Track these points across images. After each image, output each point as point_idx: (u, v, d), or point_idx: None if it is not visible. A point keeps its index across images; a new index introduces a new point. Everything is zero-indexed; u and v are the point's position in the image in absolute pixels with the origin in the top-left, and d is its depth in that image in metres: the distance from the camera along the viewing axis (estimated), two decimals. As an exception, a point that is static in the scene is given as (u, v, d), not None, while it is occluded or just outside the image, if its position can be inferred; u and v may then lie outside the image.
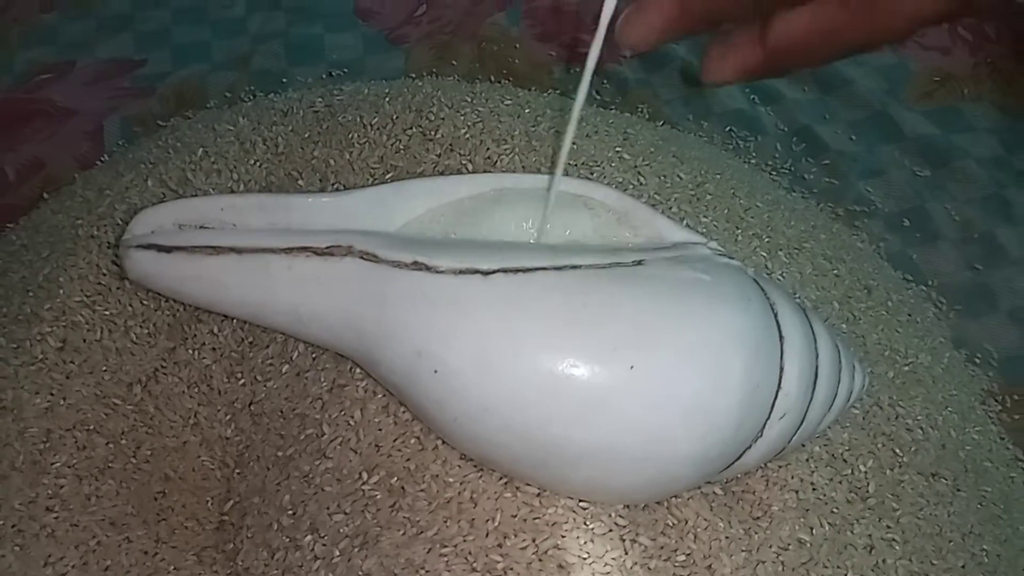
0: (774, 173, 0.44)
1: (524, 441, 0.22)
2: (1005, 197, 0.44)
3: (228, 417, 0.30)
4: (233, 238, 0.24)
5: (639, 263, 0.23)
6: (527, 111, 0.34)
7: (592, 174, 0.31)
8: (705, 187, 0.33)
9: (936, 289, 0.40)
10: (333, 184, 0.32)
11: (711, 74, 0.23)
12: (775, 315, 0.24)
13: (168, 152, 0.35)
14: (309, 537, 0.26)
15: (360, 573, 0.25)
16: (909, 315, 0.36)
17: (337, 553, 0.26)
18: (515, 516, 0.24)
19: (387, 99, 0.35)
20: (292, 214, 0.25)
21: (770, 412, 0.23)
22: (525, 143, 0.31)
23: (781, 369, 0.23)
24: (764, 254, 0.32)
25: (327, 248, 0.24)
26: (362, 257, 0.23)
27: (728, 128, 0.46)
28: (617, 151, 0.32)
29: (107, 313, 0.31)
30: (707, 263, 0.24)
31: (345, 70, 0.49)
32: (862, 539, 0.27)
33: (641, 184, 0.31)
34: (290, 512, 0.27)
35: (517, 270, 0.22)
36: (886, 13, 0.21)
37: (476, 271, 0.22)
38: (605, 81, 0.49)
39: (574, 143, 0.32)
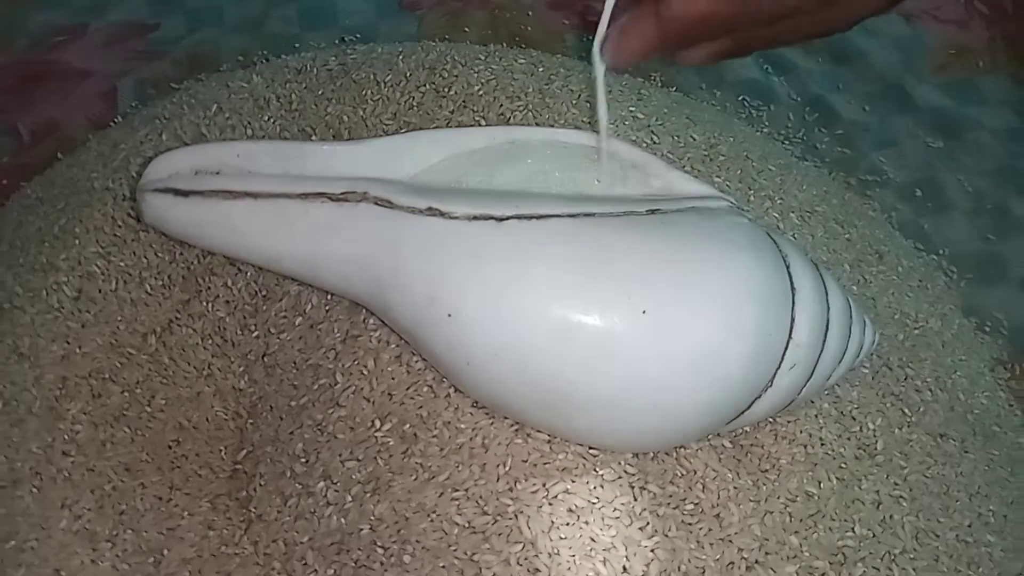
0: (786, 142, 0.44)
1: (534, 386, 0.22)
2: (1018, 168, 0.43)
3: (242, 368, 0.31)
4: (249, 183, 0.24)
5: (653, 212, 0.23)
6: (540, 70, 0.34)
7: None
8: (718, 148, 0.33)
9: (947, 258, 0.40)
10: (347, 140, 0.32)
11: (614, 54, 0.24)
12: (787, 266, 0.24)
13: (183, 108, 0.35)
14: (322, 484, 0.27)
15: (372, 518, 0.25)
16: (920, 281, 0.36)
17: (349, 499, 0.26)
18: (526, 461, 0.24)
19: (400, 58, 0.35)
20: (307, 161, 0.25)
21: (780, 361, 0.23)
22: (539, 100, 0.32)
23: (792, 319, 0.23)
24: (776, 215, 0.32)
25: (342, 194, 0.24)
26: (377, 203, 0.23)
27: (741, 97, 0.46)
28: (631, 110, 0.32)
29: (122, 264, 0.31)
30: (720, 214, 0.24)
31: (357, 35, 0.49)
32: (870, 495, 0.27)
33: (655, 143, 0.31)
34: (303, 460, 0.28)
35: (531, 216, 0.22)
36: None
37: (490, 217, 0.22)
38: (618, 49, 0.49)
39: (587, 102, 0.33)
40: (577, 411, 0.22)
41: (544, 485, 0.24)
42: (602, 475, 0.24)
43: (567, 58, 0.39)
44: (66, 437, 0.28)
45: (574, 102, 0.32)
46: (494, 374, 0.22)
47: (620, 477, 0.24)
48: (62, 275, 0.30)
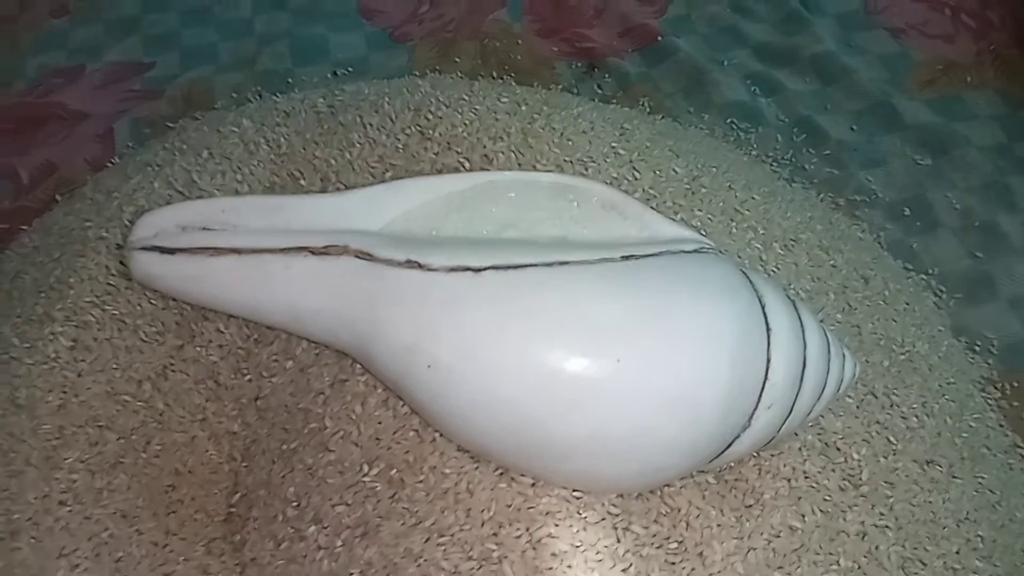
0: (775, 164, 0.45)
1: (514, 434, 0.22)
2: (1007, 184, 0.44)
3: (235, 412, 0.31)
4: (233, 239, 0.25)
5: (627, 258, 0.24)
6: (523, 108, 0.34)
7: (587, 170, 0.31)
8: (700, 180, 0.34)
9: (936, 278, 0.40)
10: (334, 183, 0.33)
11: None
12: (763, 307, 0.24)
13: (174, 155, 0.36)
14: (313, 528, 0.27)
15: (362, 563, 0.26)
16: (907, 304, 0.36)
17: (339, 543, 0.26)
18: (510, 506, 0.25)
19: (387, 98, 0.35)
20: (291, 214, 0.26)
21: (757, 402, 0.24)
22: (521, 140, 0.32)
23: (768, 360, 0.24)
24: (759, 246, 0.32)
25: (324, 248, 0.24)
26: (357, 256, 0.24)
27: (729, 120, 0.47)
28: (613, 147, 0.33)
29: (116, 312, 0.31)
30: (695, 257, 0.24)
31: (350, 69, 0.50)
32: (854, 526, 0.27)
33: (636, 179, 0.32)
34: (294, 504, 0.28)
35: (508, 267, 0.23)
36: None
37: (467, 268, 0.23)
38: (607, 75, 0.49)
39: (569, 140, 0.33)
40: (558, 458, 0.23)
41: (528, 530, 0.24)
42: (585, 517, 0.25)
43: (551, 93, 0.40)
44: (63, 487, 0.29)
45: (556, 140, 0.32)
46: (474, 423, 0.23)
47: (604, 519, 0.25)
48: (58, 325, 0.31)
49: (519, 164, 0.31)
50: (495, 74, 0.49)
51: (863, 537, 0.27)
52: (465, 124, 0.33)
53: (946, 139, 0.45)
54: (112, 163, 0.44)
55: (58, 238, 0.35)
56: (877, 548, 0.27)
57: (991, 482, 0.32)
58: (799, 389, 0.25)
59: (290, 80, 0.49)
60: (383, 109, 0.35)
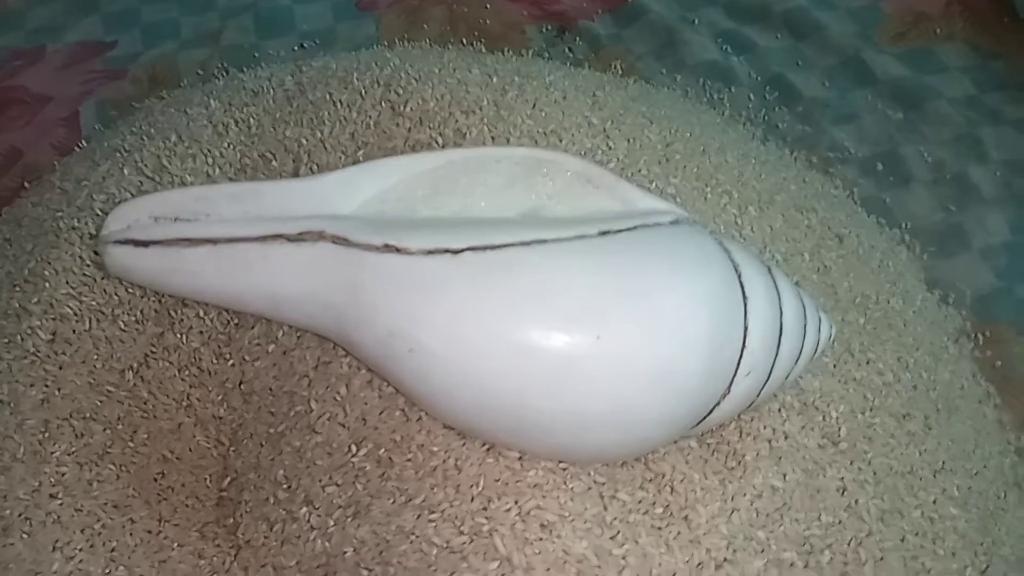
0: (748, 124, 0.45)
1: (498, 412, 0.23)
2: (977, 136, 0.44)
3: (220, 397, 0.31)
4: (207, 229, 0.25)
5: (604, 233, 0.24)
6: (495, 79, 0.34)
7: (561, 142, 0.31)
8: (674, 147, 0.34)
9: (909, 232, 0.41)
10: (306, 163, 0.33)
11: None
12: (739, 276, 0.24)
13: (143, 139, 0.35)
14: (304, 509, 0.28)
15: (354, 541, 0.26)
16: (881, 261, 0.36)
17: (332, 523, 0.27)
18: (498, 480, 0.25)
19: (355, 74, 0.35)
20: (264, 201, 0.26)
21: (736, 370, 0.24)
22: (494, 113, 0.32)
23: (745, 328, 0.24)
24: (734, 211, 0.32)
25: (299, 234, 0.24)
26: (334, 241, 0.24)
27: (701, 80, 0.46)
28: (586, 116, 0.33)
29: (94, 303, 0.31)
30: (671, 230, 0.25)
31: (316, 41, 0.49)
32: (834, 482, 0.28)
33: (610, 149, 0.32)
34: (285, 486, 0.28)
35: (485, 247, 0.23)
36: None
37: (446, 250, 0.23)
38: (578, 38, 0.49)
39: (542, 111, 0.33)
40: (542, 433, 0.23)
41: (516, 503, 0.25)
42: (572, 488, 0.25)
43: (522, 61, 0.40)
44: (52, 480, 0.29)
45: (528, 112, 0.32)
46: (459, 403, 0.23)
47: (590, 488, 0.25)
48: (35, 319, 0.31)
49: (492, 138, 0.31)
50: (464, 40, 0.48)
51: (843, 492, 0.28)
52: (436, 99, 0.33)
53: (917, 92, 0.45)
54: (79, 147, 0.43)
55: (29, 230, 0.34)
56: (857, 502, 0.28)
57: (965, 431, 0.33)
58: (776, 354, 0.25)
59: (256, 54, 0.48)
60: (352, 85, 0.34)
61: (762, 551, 0.26)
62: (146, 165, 0.34)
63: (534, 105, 0.33)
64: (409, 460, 0.26)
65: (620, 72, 0.46)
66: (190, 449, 0.31)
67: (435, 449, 0.26)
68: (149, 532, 0.29)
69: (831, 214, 0.37)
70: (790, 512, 0.27)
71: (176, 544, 0.29)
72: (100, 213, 0.33)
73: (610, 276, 0.23)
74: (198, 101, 0.37)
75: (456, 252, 0.23)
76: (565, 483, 0.25)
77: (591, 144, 0.32)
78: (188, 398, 0.31)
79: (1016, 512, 0.33)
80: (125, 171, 0.34)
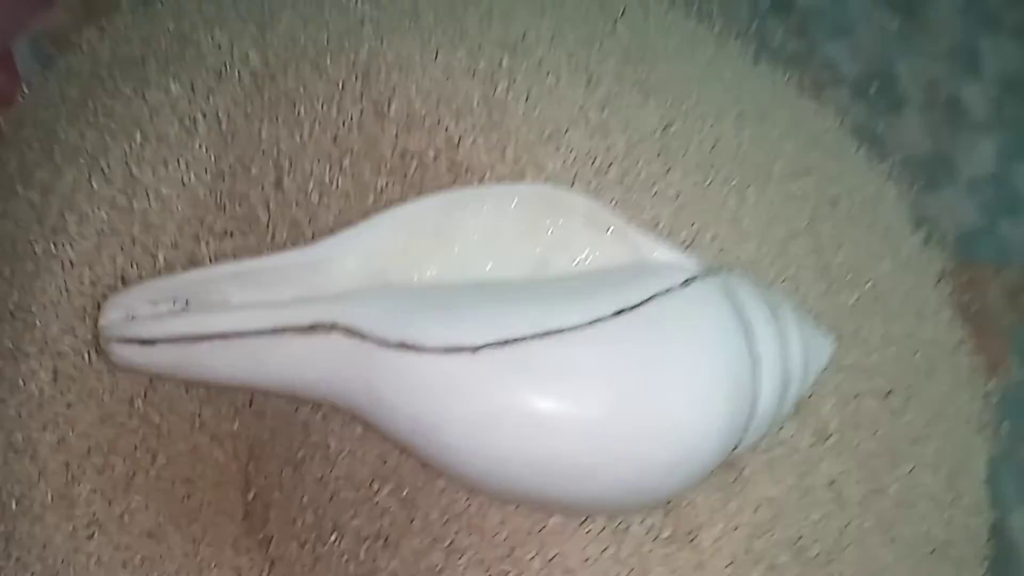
0: (739, 39, 0.42)
1: (524, 500, 0.24)
2: (973, 47, 0.43)
3: (232, 413, 0.32)
4: (214, 322, 0.24)
5: (619, 313, 0.24)
6: (482, 64, 0.31)
7: (559, 148, 0.30)
8: (672, 128, 0.32)
9: (900, 165, 0.41)
10: (289, 172, 0.31)
11: None
12: (750, 338, 0.25)
13: (104, 137, 0.33)
14: (333, 536, 0.29)
15: (386, 572, 0.28)
16: (871, 218, 0.37)
17: (362, 553, 0.29)
18: (520, 529, 0.27)
19: (328, 57, 0.32)
20: (266, 279, 0.25)
21: (747, 427, 0.25)
22: (486, 118, 0.30)
23: (756, 390, 0.25)
24: (734, 203, 0.32)
25: (309, 326, 0.24)
26: (346, 335, 0.24)
27: (692, -8, 0.43)
28: (581, 108, 0.31)
29: (88, 336, 0.31)
30: (685, 297, 0.25)
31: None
32: (823, 478, 0.30)
33: (610, 149, 0.30)
34: (310, 511, 0.30)
35: (503, 342, 0.23)
36: None
37: (463, 348, 0.23)
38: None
39: (535, 107, 0.31)
40: (563, 512, 0.25)
41: (539, 552, 0.27)
42: (588, 531, 0.27)
43: (505, 25, 0.36)
44: (86, 520, 0.30)
45: (522, 112, 0.30)
46: (484, 490, 0.24)
47: (604, 528, 0.27)
48: (33, 360, 0.30)
49: (487, 148, 0.30)
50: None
51: (831, 485, 0.30)
52: (423, 98, 0.31)
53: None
54: (22, 96, 0.40)
55: (2, 247, 0.33)
56: (842, 493, 0.31)
57: (942, 390, 0.35)
58: (782, 403, 0.26)
59: (200, -28, 0.43)
60: (327, 73, 0.32)
61: (759, 561, 0.28)
62: (115, 175, 0.32)
63: (527, 99, 0.31)
64: (433, 504, 0.28)
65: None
66: (210, 467, 0.32)
67: (458, 495, 0.27)
68: (186, 556, 0.31)
69: (825, 168, 0.37)
70: (785, 517, 0.29)
71: (214, 563, 0.31)
72: (77, 237, 0.31)
73: (629, 362, 0.23)
74: (156, 83, 0.34)
75: (475, 350, 0.23)
76: (581, 526, 0.27)
77: (590, 146, 0.30)
78: (200, 417, 0.32)
79: (978, 459, 0.36)
80: (94, 183, 0.32)
